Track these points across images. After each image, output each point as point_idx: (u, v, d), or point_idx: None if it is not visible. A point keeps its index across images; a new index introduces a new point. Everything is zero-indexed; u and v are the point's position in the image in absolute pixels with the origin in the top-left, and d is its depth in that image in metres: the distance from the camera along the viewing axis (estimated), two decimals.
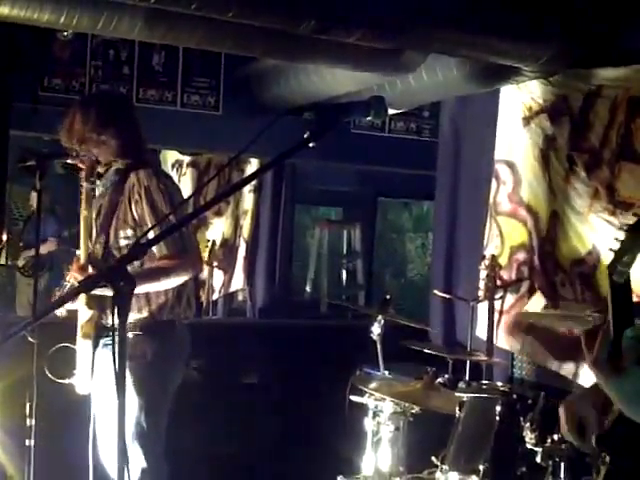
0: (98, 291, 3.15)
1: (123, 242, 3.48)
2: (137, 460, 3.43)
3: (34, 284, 3.63)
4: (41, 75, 5.42)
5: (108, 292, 1.88)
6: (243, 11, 3.58)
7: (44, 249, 7.28)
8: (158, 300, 3.47)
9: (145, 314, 3.45)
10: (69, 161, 3.53)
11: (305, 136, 1.99)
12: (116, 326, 1.84)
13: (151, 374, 3.41)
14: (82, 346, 3.47)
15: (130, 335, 3.31)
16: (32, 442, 3.58)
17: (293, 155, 1.99)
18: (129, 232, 3.47)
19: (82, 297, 3.44)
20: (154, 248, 3.24)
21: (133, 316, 3.38)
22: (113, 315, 1.85)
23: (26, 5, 3.76)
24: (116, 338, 1.84)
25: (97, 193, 3.60)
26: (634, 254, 1.45)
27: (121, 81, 5.60)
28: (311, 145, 1.99)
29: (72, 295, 2.57)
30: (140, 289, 3.26)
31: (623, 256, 1.47)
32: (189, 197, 4.65)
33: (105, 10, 3.90)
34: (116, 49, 5.60)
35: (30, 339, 3.31)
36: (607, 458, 2.26)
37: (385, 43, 4.10)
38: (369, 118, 2.17)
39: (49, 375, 3.50)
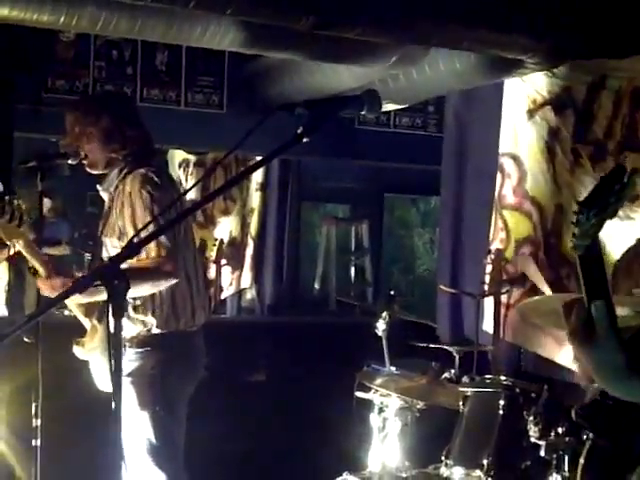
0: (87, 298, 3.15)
1: (113, 252, 3.31)
2: (155, 476, 3.32)
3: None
4: (44, 77, 5.42)
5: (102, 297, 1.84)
6: (242, 7, 3.57)
7: (56, 252, 7.28)
8: (150, 313, 3.30)
9: (139, 329, 3.30)
10: (70, 161, 3.43)
11: (298, 132, 1.98)
12: (111, 328, 1.83)
13: (151, 389, 3.29)
14: (88, 357, 3.43)
15: (128, 352, 3.24)
16: (38, 442, 3.56)
17: (286, 151, 1.97)
18: (115, 242, 3.32)
19: (78, 308, 3.37)
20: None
21: (128, 332, 3.25)
22: (107, 315, 1.83)
23: (25, 6, 3.77)
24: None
25: (105, 197, 3.47)
26: (589, 225, 1.48)
27: (125, 81, 5.59)
28: (304, 140, 1.97)
29: (63, 296, 2.52)
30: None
31: (577, 228, 1.50)
32: (184, 193, 4.56)
33: (105, 10, 3.90)
34: (119, 49, 5.60)
35: (26, 339, 3.27)
36: (589, 435, 2.26)
37: (386, 38, 4.08)
38: (363, 113, 2.12)
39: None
